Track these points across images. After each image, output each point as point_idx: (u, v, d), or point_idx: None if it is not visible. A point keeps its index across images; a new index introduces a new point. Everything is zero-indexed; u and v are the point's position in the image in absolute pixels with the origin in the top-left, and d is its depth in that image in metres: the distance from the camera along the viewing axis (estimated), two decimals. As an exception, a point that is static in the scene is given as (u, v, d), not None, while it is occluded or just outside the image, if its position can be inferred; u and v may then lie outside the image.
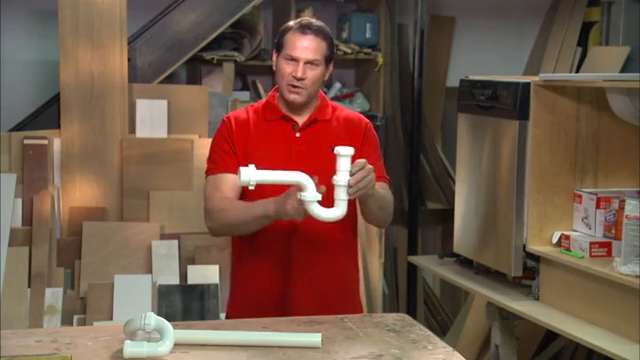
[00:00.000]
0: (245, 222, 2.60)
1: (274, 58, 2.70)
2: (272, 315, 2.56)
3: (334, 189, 2.42)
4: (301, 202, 2.40)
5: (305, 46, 2.61)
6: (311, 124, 2.69)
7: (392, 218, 2.79)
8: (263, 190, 2.52)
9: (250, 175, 2.39)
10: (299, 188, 2.41)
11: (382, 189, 2.66)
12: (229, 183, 2.64)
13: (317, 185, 2.41)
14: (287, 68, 2.62)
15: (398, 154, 4.98)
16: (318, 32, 2.64)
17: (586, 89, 3.20)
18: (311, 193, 2.39)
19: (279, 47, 2.67)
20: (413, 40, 4.87)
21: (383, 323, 2.43)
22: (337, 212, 2.43)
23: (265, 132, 2.68)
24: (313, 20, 2.70)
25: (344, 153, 2.41)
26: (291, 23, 2.69)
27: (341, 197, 2.42)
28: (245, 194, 2.64)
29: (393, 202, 2.76)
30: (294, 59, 2.61)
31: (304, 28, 2.64)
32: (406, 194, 4.97)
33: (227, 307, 2.83)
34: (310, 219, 2.57)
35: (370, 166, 2.46)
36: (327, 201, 2.43)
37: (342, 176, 2.41)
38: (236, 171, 2.62)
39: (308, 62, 2.61)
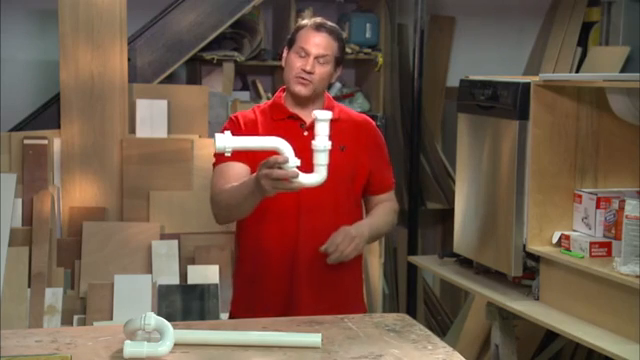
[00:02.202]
0: (238, 202, 2.57)
1: (284, 54, 2.72)
2: (276, 315, 2.56)
3: (313, 154, 2.39)
4: (268, 175, 2.32)
5: (317, 42, 2.66)
6: None
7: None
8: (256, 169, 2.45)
9: (225, 142, 2.32)
10: (270, 160, 2.33)
11: (389, 201, 2.83)
12: (235, 170, 2.62)
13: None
14: (297, 62, 2.66)
15: (398, 154, 4.98)
16: (332, 32, 2.70)
17: (586, 89, 3.19)
18: (289, 158, 2.32)
19: (291, 43, 2.70)
20: (413, 40, 4.87)
21: (383, 323, 2.43)
22: (317, 177, 2.39)
23: (273, 131, 2.67)
24: (328, 21, 2.74)
25: (322, 117, 2.37)
26: (305, 21, 2.73)
27: (320, 162, 2.38)
28: None
29: (397, 211, 2.82)
30: (305, 52, 2.65)
31: (319, 26, 2.69)
32: (406, 194, 4.97)
33: (231, 306, 2.83)
34: (315, 222, 2.58)
35: (354, 233, 2.60)
36: (326, 192, 2.46)
37: (320, 140, 2.37)
38: (243, 161, 2.62)
39: (318, 57, 2.64)
